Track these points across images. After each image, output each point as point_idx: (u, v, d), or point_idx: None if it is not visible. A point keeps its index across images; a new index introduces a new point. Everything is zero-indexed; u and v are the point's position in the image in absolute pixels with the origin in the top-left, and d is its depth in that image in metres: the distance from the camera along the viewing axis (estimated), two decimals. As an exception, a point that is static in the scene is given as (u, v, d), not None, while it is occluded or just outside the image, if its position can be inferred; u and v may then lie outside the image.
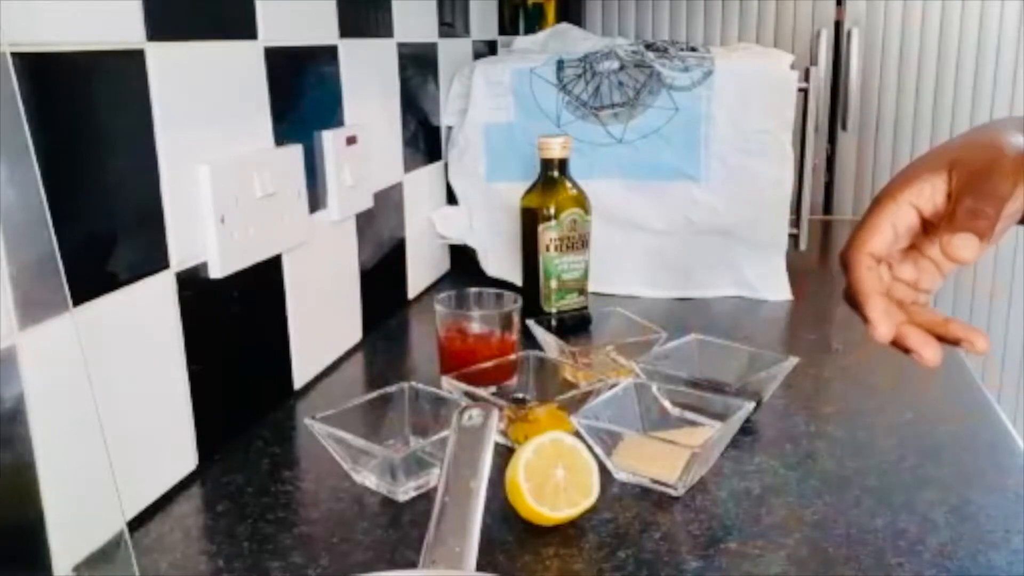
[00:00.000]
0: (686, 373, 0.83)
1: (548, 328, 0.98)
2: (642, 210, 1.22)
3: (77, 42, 0.59)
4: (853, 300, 0.55)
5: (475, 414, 0.57)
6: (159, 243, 0.69)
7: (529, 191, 1.06)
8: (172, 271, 0.70)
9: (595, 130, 1.21)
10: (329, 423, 0.71)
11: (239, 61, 0.79)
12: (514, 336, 0.92)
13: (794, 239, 1.26)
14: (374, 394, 0.77)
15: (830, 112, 1.82)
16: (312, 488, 0.73)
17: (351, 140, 0.98)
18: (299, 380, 0.92)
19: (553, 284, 1.06)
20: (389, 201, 1.13)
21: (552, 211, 1.04)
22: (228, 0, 0.77)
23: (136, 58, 0.65)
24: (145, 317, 0.67)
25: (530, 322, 0.99)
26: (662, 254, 1.23)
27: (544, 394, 0.85)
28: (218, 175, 0.74)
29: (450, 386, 0.80)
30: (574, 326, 1.07)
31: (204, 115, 0.73)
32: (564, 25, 1.59)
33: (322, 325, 0.97)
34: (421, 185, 1.24)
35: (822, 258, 1.51)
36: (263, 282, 0.84)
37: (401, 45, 1.13)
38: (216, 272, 0.75)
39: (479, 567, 0.48)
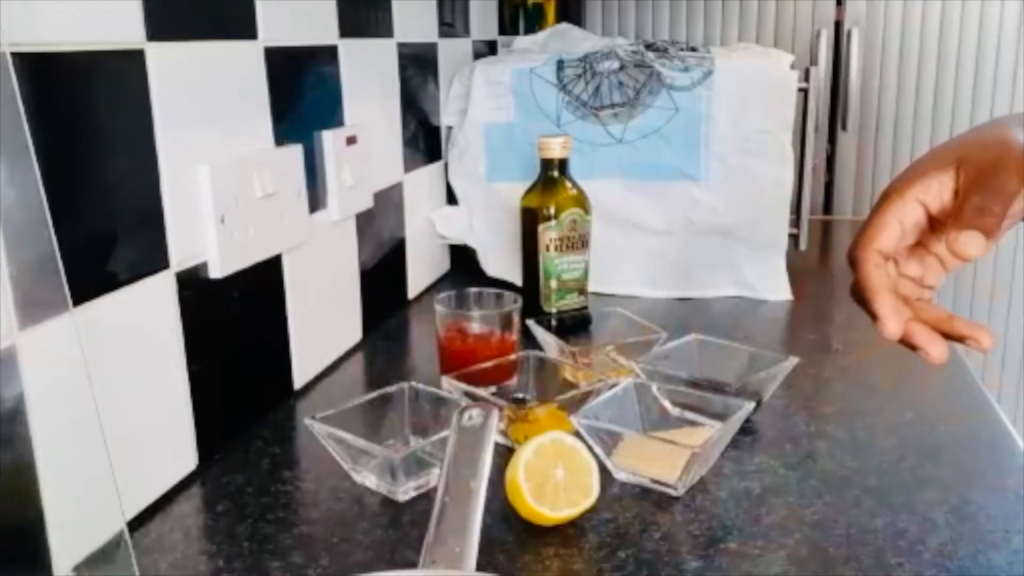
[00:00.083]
0: (686, 373, 0.83)
1: (548, 328, 0.98)
2: (642, 210, 1.22)
3: (77, 42, 0.59)
4: (861, 297, 0.55)
5: (475, 414, 0.57)
6: (159, 243, 0.69)
7: (529, 191, 1.06)
8: (172, 271, 0.70)
9: (595, 130, 1.21)
10: (329, 423, 0.71)
11: (239, 61, 0.79)
12: (514, 336, 0.92)
13: (794, 239, 1.26)
14: (374, 394, 0.77)
15: (830, 112, 1.82)
16: (312, 488, 0.73)
17: (351, 140, 0.98)
18: (299, 380, 0.92)
19: (553, 284, 1.06)
20: (389, 201, 1.13)
21: (552, 211, 1.04)
22: (228, 0, 0.77)
23: (136, 58, 0.65)
24: (145, 317, 0.67)
25: (530, 322, 0.99)
26: (662, 254, 1.23)
27: (544, 394, 0.85)
28: (218, 175, 0.74)
29: (450, 386, 0.80)
30: (574, 326, 1.07)
31: (204, 115, 0.73)
32: (564, 25, 1.59)
33: (322, 325, 0.97)
34: (421, 185, 1.24)
35: (822, 258, 1.51)
36: (263, 282, 0.84)
37: (401, 45, 1.13)
38: (216, 272, 0.75)
39: (479, 567, 0.48)
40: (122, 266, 0.64)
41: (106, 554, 0.57)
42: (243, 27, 0.79)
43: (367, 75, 1.04)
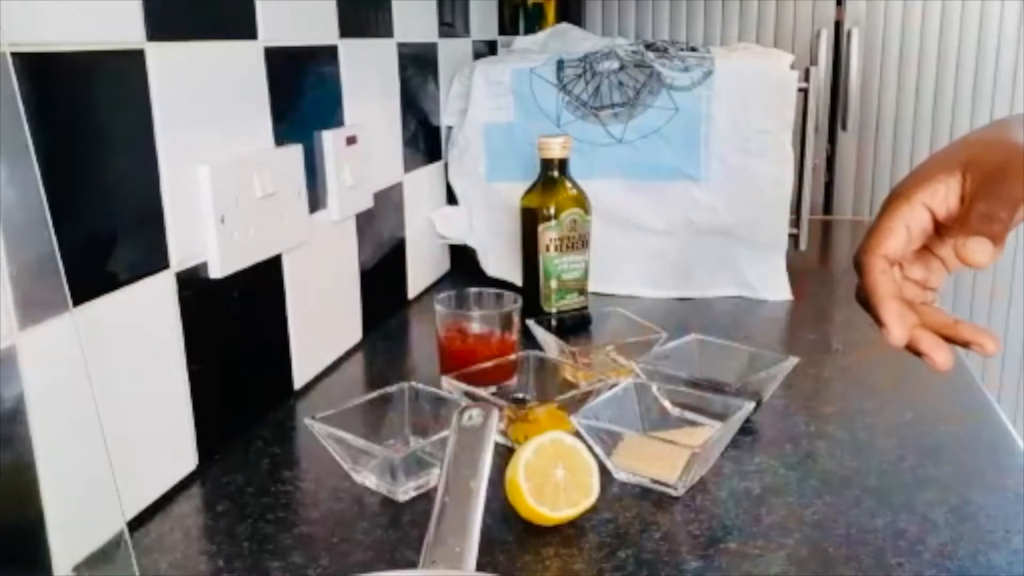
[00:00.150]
0: (686, 373, 0.83)
1: (548, 328, 0.98)
2: (642, 210, 1.22)
3: (77, 42, 0.59)
4: (866, 303, 0.55)
5: (475, 414, 0.57)
6: (159, 243, 0.69)
7: (529, 191, 1.06)
8: (172, 271, 0.70)
9: (595, 130, 1.21)
10: (329, 423, 0.71)
11: (239, 61, 0.79)
12: (514, 336, 0.92)
13: (794, 239, 1.26)
14: (374, 394, 0.77)
15: (830, 112, 1.82)
16: (312, 488, 0.73)
17: (351, 140, 0.98)
18: (299, 380, 0.92)
19: (553, 284, 1.06)
20: (389, 201, 1.13)
21: (552, 211, 1.04)
22: (228, 0, 0.77)
23: (136, 58, 0.65)
24: (145, 317, 0.67)
25: (530, 322, 0.99)
26: (662, 254, 1.23)
27: (544, 394, 0.85)
28: (218, 175, 0.74)
29: (450, 386, 0.80)
30: (574, 326, 1.07)
31: (204, 115, 0.73)
32: (564, 25, 1.59)
33: (322, 325, 0.97)
34: (421, 185, 1.24)
35: (822, 258, 1.51)
36: (263, 282, 0.84)
37: (401, 45, 1.13)
38: (216, 272, 0.75)
39: (479, 567, 0.48)
40: (122, 266, 0.64)
41: (106, 554, 0.57)
42: (243, 27, 0.79)
43: (367, 75, 1.04)
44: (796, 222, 1.26)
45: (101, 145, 0.61)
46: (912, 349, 0.55)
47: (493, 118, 1.25)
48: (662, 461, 0.70)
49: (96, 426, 0.56)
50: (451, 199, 1.32)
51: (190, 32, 0.71)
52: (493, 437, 0.55)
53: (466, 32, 1.39)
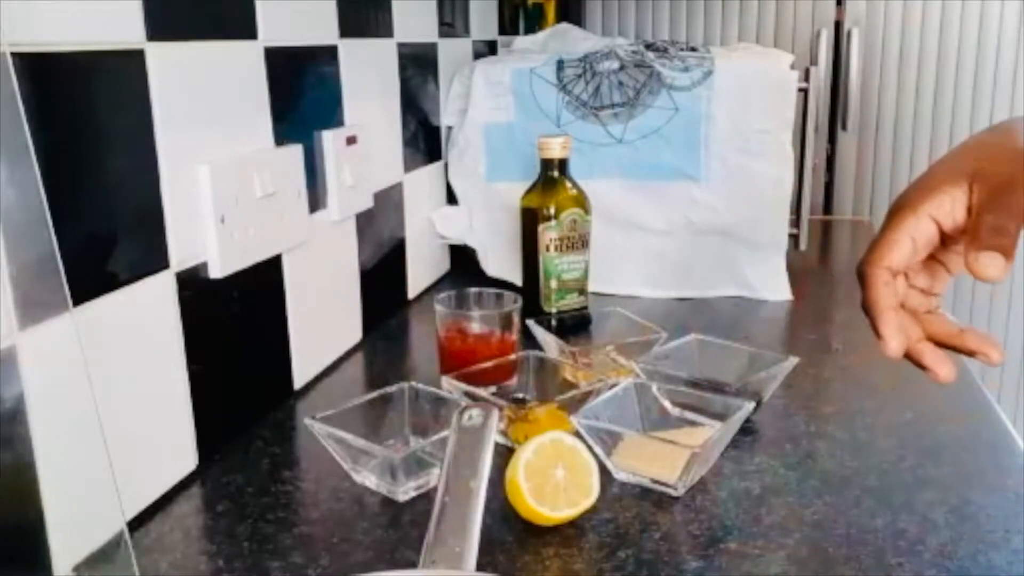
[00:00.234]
0: (686, 373, 0.83)
1: (548, 328, 0.98)
2: (642, 210, 1.22)
3: (77, 42, 0.59)
4: (868, 313, 0.55)
5: (475, 414, 0.57)
6: (159, 243, 0.69)
7: (529, 191, 1.06)
8: (172, 271, 0.70)
9: (595, 130, 1.21)
10: (329, 423, 0.71)
11: (239, 61, 0.79)
12: (514, 336, 0.92)
13: (794, 239, 1.26)
14: (374, 394, 0.77)
15: (830, 112, 1.82)
16: (312, 488, 0.73)
17: (351, 140, 0.98)
18: (299, 380, 0.92)
19: (553, 284, 1.06)
20: (389, 201, 1.13)
21: (552, 211, 1.04)
22: (228, 0, 0.77)
23: (136, 58, 0.65)
24: (145, 317, 0.67)
25: (530, 322, 0.99)
26: (662, 254, 1.23)
27: (544, 394, 0.85)
28: (218, 175, 0.74)
29: (450, 386, 0.80)
30: (574, 326, 1.07)
31: (204, 115, 0.73)
32: (564, 25, 1.59)
33: (322, 325, 0.97)
34: (421, 185, 1.24)
35: (822, 258, 1.51)
36: (263, 282, 0.84)
37: (401, 45, 1.13)
38: (216, 272, 0.75)
39: (479, 567, 0.48)
40: (122, 266, 0.64)
41: (106, 554, 0.57)
42: (243, 27, 0.79)
43: (367, 75, 1.04)
44: (796, 222, 1.26)
45: (101, 145, 0.61)
46: (915, 362, 0.55)
47: (493, 118, 1.25)
48: (662, 461, 0.70)
49: (96, 426, 0.56)
50: (451, 199, 1.32)
51: (190, 32, 0.71)
52: (493, 437, 0.55)
53: (466, 32, 1.39)
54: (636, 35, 1.85)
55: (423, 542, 0.48)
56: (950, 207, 0.53)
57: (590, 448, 0.69)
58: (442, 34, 1.28)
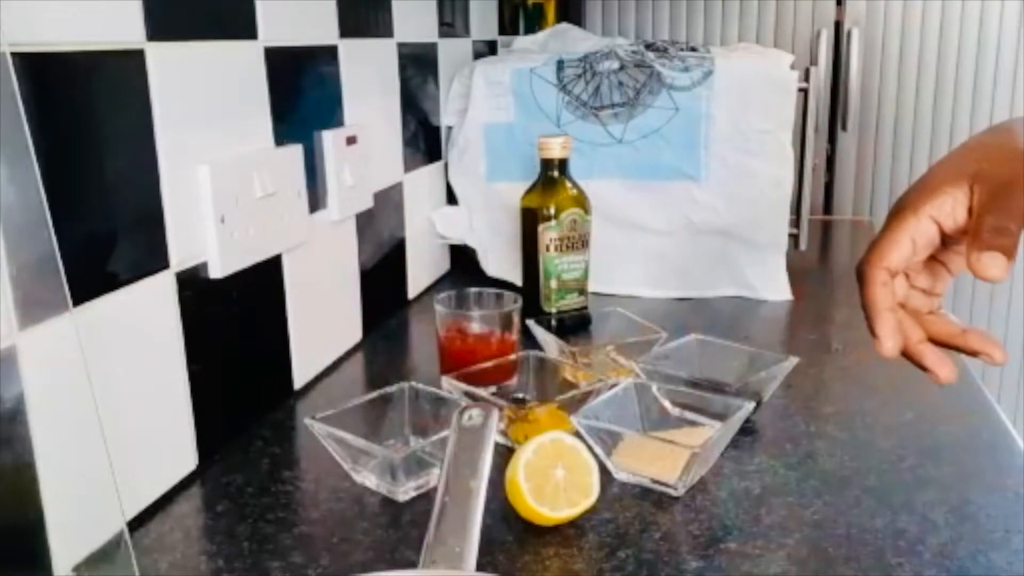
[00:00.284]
0: (686, 373, 0.83)
1: (548, 328, 0.98)
2: (642, 210, 1.22)
3: (77, 42, 0.59)
4: (865, 313, 0.55)
5: (475, 414, 0.57)
6: (159, 243, 0.69)
7: (529, 191, 1.06)
8: (172, 271, 0.70)
9: (595, 130, 1.21)
10: (329, 423, 0.71)
11: (239, 61, 0.79)
12: (514, 336, 0.92)
13: (794, 239, 1.26)
14: (374, 394, 0.77)
15: (830, 112, 1.82)
16: (312, 488, 0.73)
17: (351, 140, 0.98)
18: (299, 380, 0.92)
19: (553, 284, 1.06)
20: (389, 201, 1.13)
21: (552, 211, 1.04)
22: (228, 0, 0.77)
23: (136, 58, 0.65)
24: (145, 317, 0.67)
25: (530, 322, 0.99)
26: (662, 254, 1.23)
27: (544, 394, 0.85)
28: (218, 175, 0.74)
29: (450, 386, 0.80)
30: (574, 326, 1.07)
31: (204, 115, 0.73)
32: (564, 25, 1.59)
33: (322, 325, 0.97)
34: (421, 185, 1.24)
35: (822, 258, 1.51)
36: (263, 282, 0.84)
37: (401, 45, 1.13)
38: (216, 272, 0.75)
39: (479, 567, 0.48)
40: (122, 266, 0.64)
41: (106, 554, 0.57)
42: (243, 27, 0.79)
43: (367, 75, 1.04)
44: (796, 222, 1.26)
45: (101, 145, 0.61)
46: (916, 363, 0.55)
47: (493, 118, 1.25)
48: (662, 461, 0.70)
49: (96, 426, 0.56)
50: (451, 199, 1.32)
51: (190, 32, 0.71)
52: (493, 437, 0.55)
53: (466, 32, 1.39)
54: (636, 35, 1.85)
55: (423, 542, 0.48)
56: (951, 208, 0.53)
57: (590, 448, 0.69)
58: (442, 34, 1.28)
